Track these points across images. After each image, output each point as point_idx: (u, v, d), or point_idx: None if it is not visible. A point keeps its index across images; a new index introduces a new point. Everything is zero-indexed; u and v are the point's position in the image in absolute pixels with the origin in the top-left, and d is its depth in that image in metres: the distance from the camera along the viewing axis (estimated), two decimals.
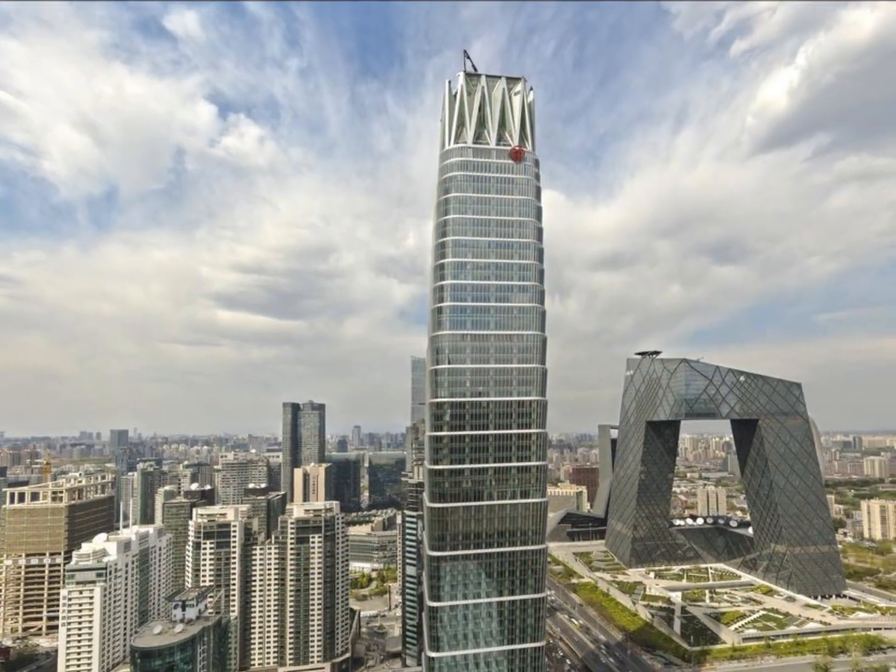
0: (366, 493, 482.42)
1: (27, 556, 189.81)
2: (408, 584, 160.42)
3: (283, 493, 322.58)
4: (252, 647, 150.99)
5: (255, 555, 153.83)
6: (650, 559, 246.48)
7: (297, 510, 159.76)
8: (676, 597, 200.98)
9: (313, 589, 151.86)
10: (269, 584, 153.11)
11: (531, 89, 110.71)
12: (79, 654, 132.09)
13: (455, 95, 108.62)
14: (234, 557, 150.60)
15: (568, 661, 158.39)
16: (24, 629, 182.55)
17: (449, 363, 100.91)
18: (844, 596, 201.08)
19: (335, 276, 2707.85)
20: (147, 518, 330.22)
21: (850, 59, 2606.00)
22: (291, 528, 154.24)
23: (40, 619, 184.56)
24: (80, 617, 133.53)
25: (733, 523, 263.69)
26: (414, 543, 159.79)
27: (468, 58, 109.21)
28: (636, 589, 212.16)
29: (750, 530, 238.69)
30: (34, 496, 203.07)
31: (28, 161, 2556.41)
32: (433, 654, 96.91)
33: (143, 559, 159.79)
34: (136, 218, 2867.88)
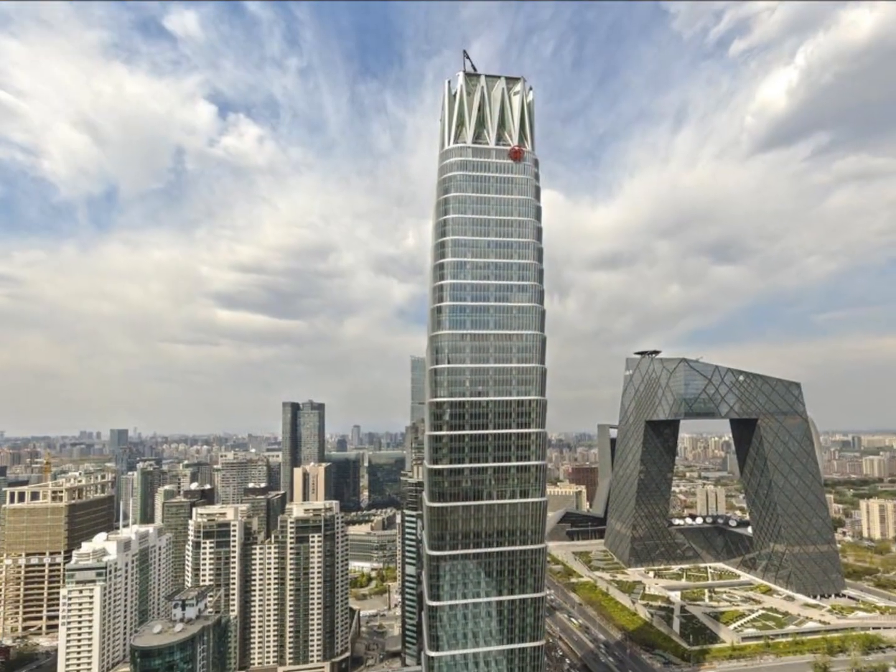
0: (365, 493, 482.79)
1: (27, 555, 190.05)
2: (407, 584, 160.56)
3: (282, 492, 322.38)
4: (252, 646, 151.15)
5: (255, 554, 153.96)
6: (649, 558, 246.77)
7: (297, 510, 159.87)
8: (676, 596, 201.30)
9: (313, 588, 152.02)
10: (269, 584, 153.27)
11: (530, 89, 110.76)
12: (79, 653, 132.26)
13: (454, 95, 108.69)
14: (233, 557, 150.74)
15: (567, 661, 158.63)
16: (24, 628, 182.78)
17: (448, 363, 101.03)
18: (843, 595, 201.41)
19: (335, 275, 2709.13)
20: (147, 517, 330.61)
21: (848, 59, 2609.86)
22: (291, 528, 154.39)
23: (40, 618, 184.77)
24: (79, 616, 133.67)
25: (732, 523, 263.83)
26: (413, 543, 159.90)
27: (467, 58, 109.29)
28: (635, 588, 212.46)
29: (749, 530, 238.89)
30: (34, 496, 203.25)
31: (28, 161, 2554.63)
32: (433, 654, 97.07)
33: (143, 558, 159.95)
34: (136, 217, 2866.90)
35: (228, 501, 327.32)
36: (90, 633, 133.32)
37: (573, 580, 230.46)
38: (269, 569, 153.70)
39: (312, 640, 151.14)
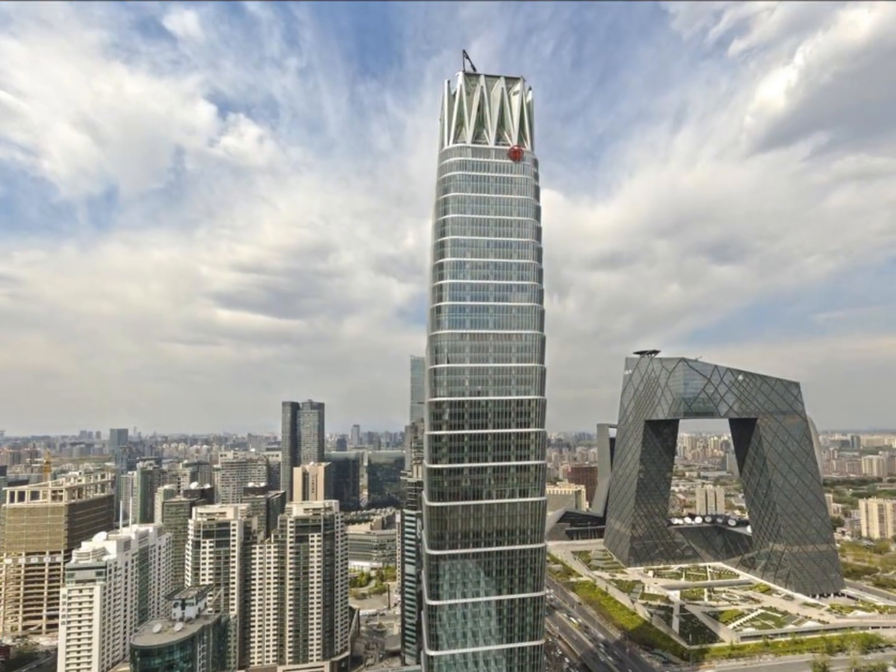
0: (365, 492, 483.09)
1: (27, 554, 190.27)
2: (407, 583, 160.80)
3: (282, 491, 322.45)
4: (251, 645, 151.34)
5: (255, 553, 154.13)
6: (649, 558, 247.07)
7: (297, 509, 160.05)
8: (675, 595, 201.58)
9: (312, 587, 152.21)
10: (269, 583, 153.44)
11: (530, 89, 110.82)
12: (78, 652, 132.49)
13: (454, 95, 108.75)
14: (233, 556, 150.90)
15: (567, 660, 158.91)
16: (24, 628, 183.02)
17: (448, 362, 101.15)
18: (842, 594, 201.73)
19: (334, 275, 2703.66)
20: (147, 517, 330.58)
21: (847, 58, 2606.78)
22: (291, 527, 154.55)
23: (40, 617, 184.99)
24: (79, 615, 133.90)
25: (732, 522, 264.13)
26: (413, 542, 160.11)
27: (467, 58, 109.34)
28: (635, 587, 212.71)
29: (748, 529, 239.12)
30: (34, 495, 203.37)
31: (28, 160, 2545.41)
32: (432, 653, 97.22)
33: (143, 558, 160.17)
34: (136, 217, 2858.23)
35: (228, 501, 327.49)
36: (90, 632, 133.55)
37: (572, 579, 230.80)
38: (268, 568, 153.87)
39: (312, 640, 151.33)
